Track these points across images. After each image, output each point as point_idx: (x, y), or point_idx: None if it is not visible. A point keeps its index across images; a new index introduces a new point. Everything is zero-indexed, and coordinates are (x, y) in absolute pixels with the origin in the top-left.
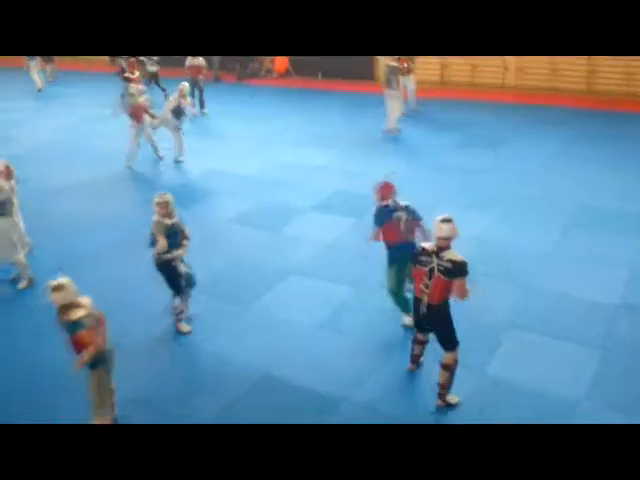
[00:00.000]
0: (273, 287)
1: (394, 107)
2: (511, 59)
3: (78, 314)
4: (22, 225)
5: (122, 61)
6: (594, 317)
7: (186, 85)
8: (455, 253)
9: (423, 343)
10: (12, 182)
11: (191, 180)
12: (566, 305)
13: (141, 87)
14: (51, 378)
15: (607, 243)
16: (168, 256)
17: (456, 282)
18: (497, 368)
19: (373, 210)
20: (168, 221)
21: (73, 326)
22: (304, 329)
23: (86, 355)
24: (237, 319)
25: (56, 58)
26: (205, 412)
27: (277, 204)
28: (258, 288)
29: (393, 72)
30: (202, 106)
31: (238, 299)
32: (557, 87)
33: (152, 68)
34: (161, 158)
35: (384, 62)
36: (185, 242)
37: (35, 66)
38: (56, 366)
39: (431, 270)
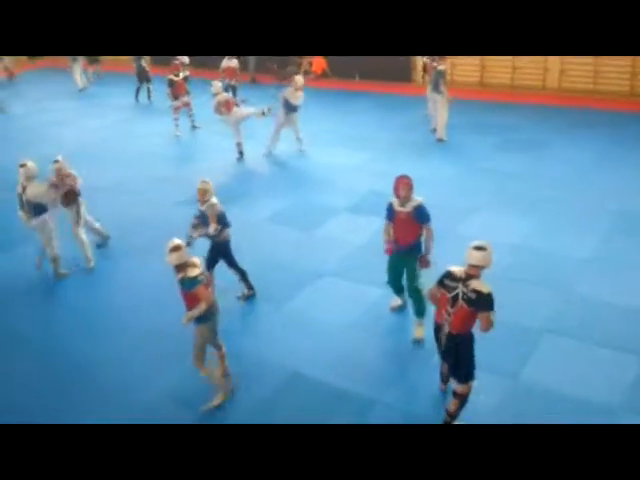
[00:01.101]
0: (305, 287)
1: (443, 113)
2: (553, 61)
3: (196, 271)
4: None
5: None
6: (632, 324)
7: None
8: (482, 283)
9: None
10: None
11: (225, 180)
12: (604, 311)
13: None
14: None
15: None
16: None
17: (481, 315)
18: (532, 373)
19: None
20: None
21: (192, 282)
22: (335, 329)
23: (198, 310)
24: (269, 318)
25: (102, 59)
26: (236, 410)
27: (311, 204)
28: (290, 288)
29: (442, 76)
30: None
31: (270, 298)
32: (599, 89)
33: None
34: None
35: (430, 65)
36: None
37: (77, 67)
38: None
39: (454, 297)
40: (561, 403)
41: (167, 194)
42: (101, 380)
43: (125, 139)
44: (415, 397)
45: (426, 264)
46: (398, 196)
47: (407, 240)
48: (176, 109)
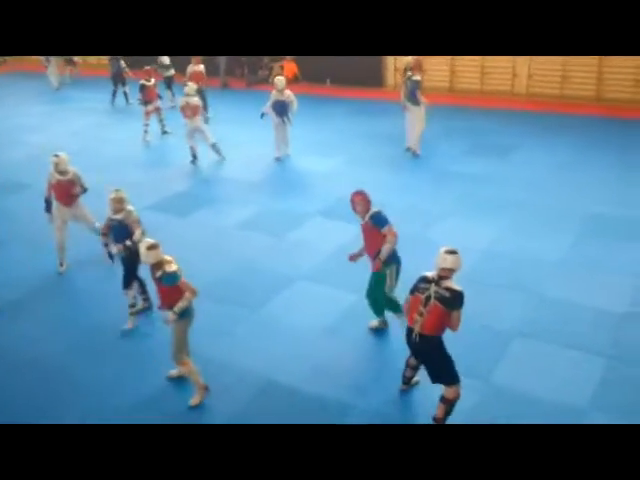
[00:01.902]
0: (279, 292)
1: (417, 124)
2: (521, 66)
3: (174, 267)
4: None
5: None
6: (602, 325)
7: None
8: (453, 283)
9: (415, 368)
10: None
11: (197, 185)
12: (574, 313)
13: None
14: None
15: (616, 251)
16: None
17: (453, 314)
18: (503, 376)
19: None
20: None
21: (174, 276)
22: (310, 335)
23: (186, 300)
24: (242, 324)
25: (78, 61)
26: (211, 415)
27: (283, 210)
28: (264, 293)
29: (417, 86)
30: (205, 110)
31: (243, 304)
32: (566, 94)
33: (168, 73)
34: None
35: (405, 75)
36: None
37: (53, 67)
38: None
39: (427, 298)
40: (533, 404)
41: (136, 199)
42: (75, 382)
43: (96, 144)
44: (391, 402)
45: (377, 266)
46: (355, 211)
47: (373, 250)
48: (147, 114)
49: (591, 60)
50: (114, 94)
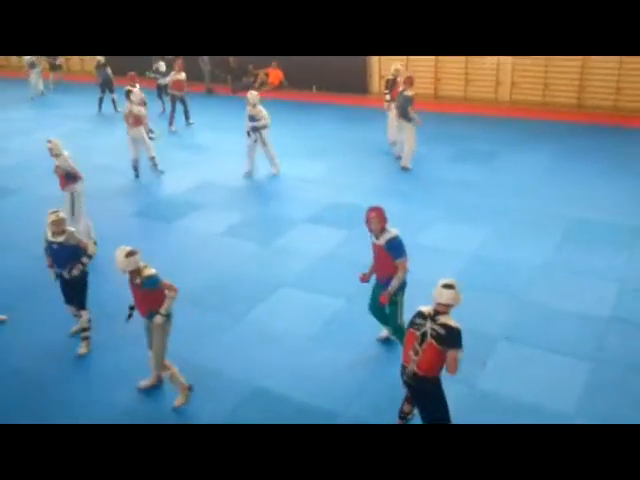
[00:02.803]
0: (264, 299)
1: (411, 141)
2: (505, 74)
3: (152, 270)
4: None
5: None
6: (585, 330)
7: None
8: (450, 318)
9: (413, 403)
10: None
11: (181, 192)
12: (558, 318)
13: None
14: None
15: (599, 256)
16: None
17: (448, 354)
18: (487, 381)
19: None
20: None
21: (154, 280)
22: (296, 342)
23: (171, 300)
24: (228, 332)
25: (64, 67)
26: (196, 421)
27: (269, 216)
28: (249, 300)
29: (409, 102)
30: (187, 117)
31: (229, 311)
32: (549, 102)
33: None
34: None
35: (395, 91)
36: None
37: (36, 73)
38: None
39: (423, 335)
40: (517, 409)
41: (121, 205)
42: (59, 391)
43: (81, 150)
44: (378, 410)
45: (383, 300)
46: (369, 230)
47: (384, 273)
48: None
49: (573, 68)
50: (101, 101)
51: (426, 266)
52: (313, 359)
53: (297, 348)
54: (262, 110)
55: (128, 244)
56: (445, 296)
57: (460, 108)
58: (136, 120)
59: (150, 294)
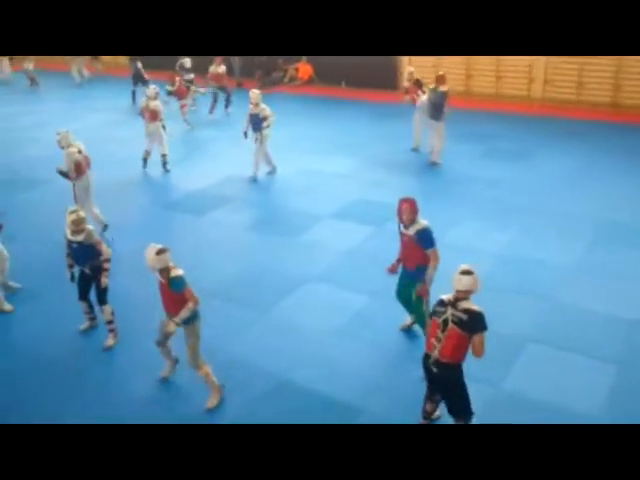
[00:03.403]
0: (291, 293)
1: (439, 138)
2: (537, 70)
3: (180, 271)
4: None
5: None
6: (613, 332)
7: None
8: (472, 303)
9: (435, 402)
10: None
11: (211, 185)
12: (586, 320)
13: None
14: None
15: (629, 258)
16: (108, 265)
17: (474, 338)
18: (514, 382)
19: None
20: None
21: (182, 282)
22: (321, 336)
23: (188, 310)
24: (255, 325)
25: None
26: (222, 415)
27: (296, 211)
28: (276, 294)
29: (443, 98)
30: (227, 106)
31: (256, 305)
32: (583, 100)
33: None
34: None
35: (413, 90)
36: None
37: (78, 62)
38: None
39: (445, 322)
40: (542, 411)
41: (151, 197)
42: (82, 382)
43: (112, 141)
44: (400, 406)
45: (423, 293)
46: (400, 220)
47: (412, 263)
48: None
49: (608, 66)
50: (134, 93)
51: (453, 264)
52: (337, 353)
53: (322, 342)
54: (266, 108)
55: (154, 236)
56: (464, 282)
57: (491, 105)
58: (152, 115)
59: (176, 296)
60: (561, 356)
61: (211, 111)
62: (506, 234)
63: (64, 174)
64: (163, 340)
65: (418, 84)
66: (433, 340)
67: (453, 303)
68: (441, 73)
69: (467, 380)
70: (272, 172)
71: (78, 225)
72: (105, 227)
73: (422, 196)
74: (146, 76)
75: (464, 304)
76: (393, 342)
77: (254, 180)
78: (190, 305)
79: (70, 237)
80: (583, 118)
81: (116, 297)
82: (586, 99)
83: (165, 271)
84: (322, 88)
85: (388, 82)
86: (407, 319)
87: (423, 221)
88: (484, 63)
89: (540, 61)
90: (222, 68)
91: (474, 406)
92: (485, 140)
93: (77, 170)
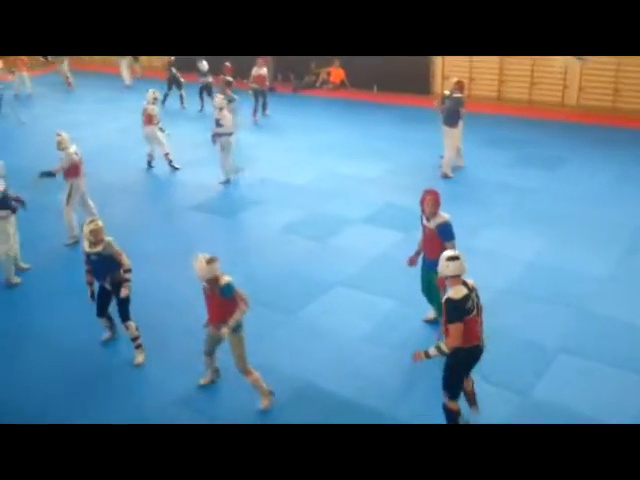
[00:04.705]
0: (319, 297)
1: (451, 147)
2: (572, 77)
3: (228, 277)
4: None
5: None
6: None
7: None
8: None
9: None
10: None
11: (242, 188)
12: (619, 331)
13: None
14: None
15: None
16: (129, 276)
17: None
18: (543, 392)
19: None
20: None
21: (231, 287)
22: (348, 340)
23: (240, 313)
24: (282, 328)
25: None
26: (249, 415)
27: (326, 215)
28: (304, 297)
29: (460, 104)
30: (264, 108)
31: (284, 308)
32: (619, 107)
33: (205, 79)
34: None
35: (442, 93)
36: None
37: (125, 64)
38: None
39: (476, 305)
40: (570, 421)
41: (181, 198)
42: (114, 383)
43: (133, 144)
44: (425, 413)
45: (440, 284)
46: (423, 211)
47: (433, 255)
48: None
49: None
50: (165, 97)
51: (482, 270)
52: (363, 358)
53: (348, 347)
54: (227, 115)
55: (185, 238)
56: (451, 268)
57: (524, 111)
58: (148, 118)
59: (225, 303)
60: (593, 367)
61: (254, 114)
62: (538, 241)
63: (49, 174)
64: (212, 350)
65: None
66: (478, 329)
67: (470, 287)
68: (459, 79)
69: (493, 386)
70: (226, 182)
71: (97, 235)
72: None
73: (452, 201)
74: (182, 80)
75: (469, 283)
76: (419, 348)
77: (227, 183)
78: (243, 307)
79: (88, 249)
80: (619, 126)
81: (142, 295)
82: (622, 107)
83: (215, 280)
84: (354, 92)
85: (420, 87)
86: (430, 312)
87: (445, 215)
88: (518, 68)
89: (575, 67)
90: (264, 70)
91: (501, 413)
92: (517, 146)
93: (74, 171)
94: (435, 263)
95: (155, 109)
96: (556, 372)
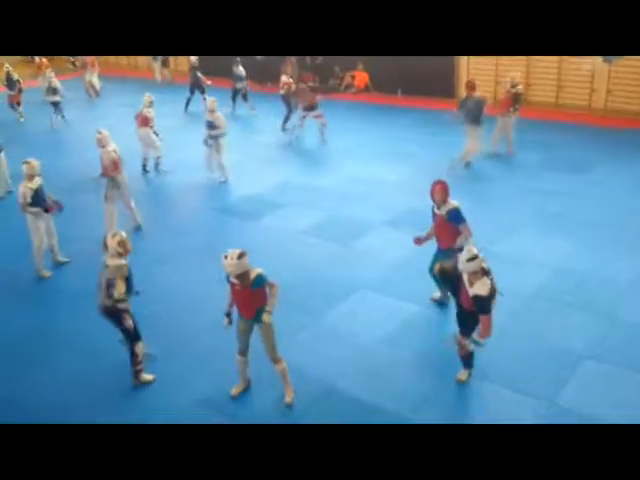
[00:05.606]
0: (342, 300)
1: (473, 142)
2: (600, 80)
3: (259, 269)
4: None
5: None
6: None
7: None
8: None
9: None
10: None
11: (265, 190)
12: None
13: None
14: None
15: None
16: (124, 306)
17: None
18: (568, 398)
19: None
20: (125, 261)
21: (263, 278)
22: (371, 344)
23: (276, 297)
24: (305, 330)
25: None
26: (270, 417)
27: (349, 218)
28: (327, 300)
29: (483, 103)
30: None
31: (307, 310)
32: None
33: (240, 84)
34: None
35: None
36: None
37: (158, 64)
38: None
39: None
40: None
41: (204, 201)
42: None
43: (167, 147)
44: (446, 415)
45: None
46: (433, 200)
47: (445, 243)
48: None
49: None
50: (188, 101)
51: (507, 274)
52: (386, 362)
53: (371, 350)
54: (220, 117)
55: (209, 239)
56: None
57: (551, 115)
58: (143, 121)
59: (256, 294)
60: (621, 374)
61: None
62: (564, 246)
63: (102, 175)
64: (246, 345)
65: (517, 98)
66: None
67: (488, 273)
68: (468, 79)
69: (518, 393)
70: (225, 181)
71: (125, 245)
72: (139, 227)
73: (476, 205)
74: (205, 84)
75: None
76: (442, 352)
77: (225, 183)
78: (274, 291)
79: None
80: None
81: (170, 294)
82: None
83: (246, 274)
84: (378, 96)
85: (444, 90)
86: (436, 293)
87: (454, 202)
88: (545, 71)
89: (603, 70)
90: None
91: (525, 420)
92: (544, 149)
93: (114, 168)
94: (448, 252)
95: (151, 112)
96: (582, 378)
